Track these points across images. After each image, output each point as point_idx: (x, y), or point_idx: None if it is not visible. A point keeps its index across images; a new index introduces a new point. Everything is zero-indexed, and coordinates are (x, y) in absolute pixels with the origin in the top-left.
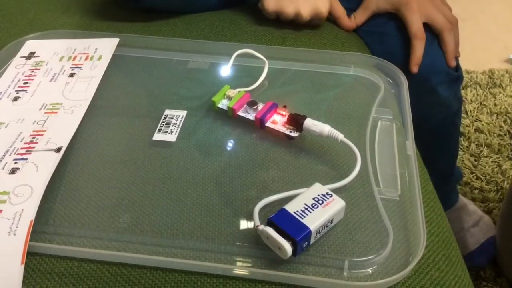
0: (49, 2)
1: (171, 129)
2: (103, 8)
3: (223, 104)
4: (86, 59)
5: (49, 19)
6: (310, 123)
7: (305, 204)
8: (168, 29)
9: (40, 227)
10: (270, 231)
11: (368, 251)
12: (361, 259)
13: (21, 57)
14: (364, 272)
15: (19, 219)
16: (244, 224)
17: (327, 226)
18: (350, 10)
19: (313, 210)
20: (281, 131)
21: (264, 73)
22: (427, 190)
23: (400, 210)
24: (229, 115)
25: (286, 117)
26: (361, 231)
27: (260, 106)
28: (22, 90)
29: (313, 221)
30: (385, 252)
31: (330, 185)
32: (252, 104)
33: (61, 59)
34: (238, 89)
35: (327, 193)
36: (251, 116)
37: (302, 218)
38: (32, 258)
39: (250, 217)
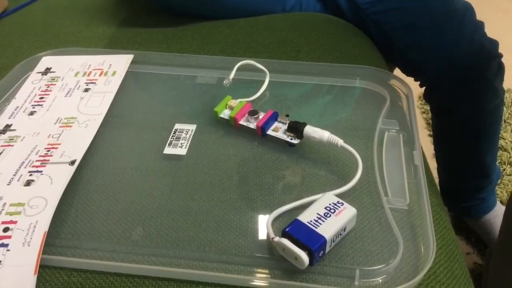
0: (73, 16)
1: (181, 143)
2: (125, 21)
3: (225, 114)
4: (100, 74)
5: (73, 32)
6: (310, 130)
7: (317, 213)
8: (185, 41)
9: (53, 240)
10: (286, 242)
11: (378, 260)
12: (372, 268)
13: (38, 72)
14: (375, 281)
15: (33, 231)
16: (257, 235)
17: (340, 234)
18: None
19: (326, 219)
20: (282, 138)
21: (265, 84)
22: (433, 202)
23: (408, 220)
24: (231, 125)
25: (287, 125)
26: (371, 240)
27: (261, 115)
28: (38, 105)
29: (327, 230)
30: (395, 262)
31: (335, 191)
32: (253, 113)
33: (76, 74)
34: (239, 99)
35: (338, 202)
36: (252, 125)
37: (316, 228)
38: (43, 271)
39: (262, 228)
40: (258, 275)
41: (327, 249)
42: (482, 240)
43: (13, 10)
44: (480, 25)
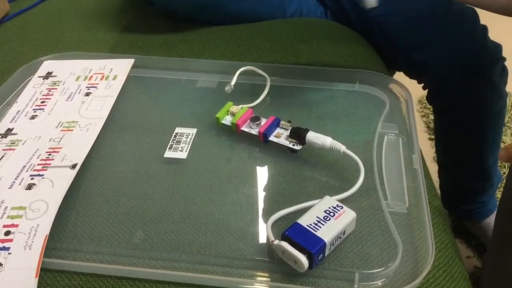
0: (74, 21)
1: (181, 147)
2: (126, 26)
3: (226, 120)
4: (101, 79)
5: (74, 37)
6: (312, 135)
7: (317, 217)
8: (186, 46)
9: (54, 243)
10: (286, 245)
11: (377, 263)
12: (371, 271)
13: (39, 76)
14: (374, 285)
15: (35, 234)
16: (257, 238)
17: (340, 238)
18: None
19: (325, 222)
20: (285, 144)
21: (266, 89)
22: (433, 206)
23: (408, 223)
24: (233, 131)
25: (289, 131)
26: (370, 243)
27: (263, 121)
28: (40, 109)
29: (327, 233)
30: (394, 265)
31: (336, 196)
32: (255, 119)
33: (77, 78)
34: (241, 105)
35: (337, 205)
36: (254, 131)
37: (315, 231)
38: (44, 275)
39: (262, 232)
40: (258, 278)
41: (327, 252)
42: (482, 244)
43: (14, 15)
44: (484, 28)
